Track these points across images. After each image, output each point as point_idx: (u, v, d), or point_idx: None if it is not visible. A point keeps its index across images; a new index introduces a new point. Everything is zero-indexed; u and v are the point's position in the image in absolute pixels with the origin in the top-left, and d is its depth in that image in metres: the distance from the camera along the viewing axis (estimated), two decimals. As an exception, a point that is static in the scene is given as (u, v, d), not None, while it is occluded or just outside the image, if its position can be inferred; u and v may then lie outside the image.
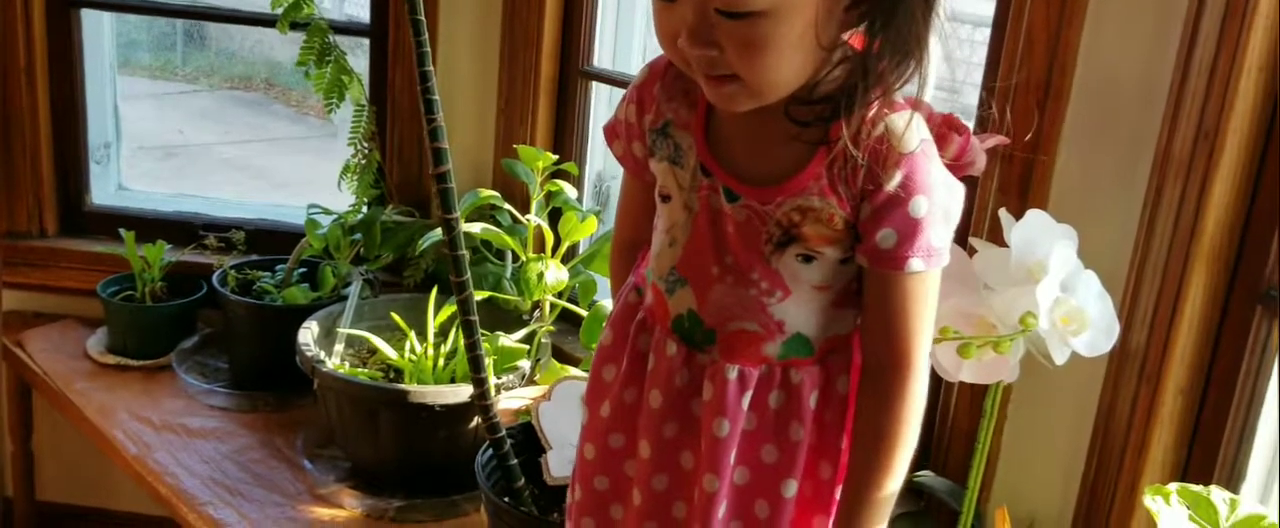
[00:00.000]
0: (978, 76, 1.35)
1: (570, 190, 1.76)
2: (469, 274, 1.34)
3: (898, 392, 0.90)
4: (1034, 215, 1.07)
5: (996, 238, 1.13)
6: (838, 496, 0.96)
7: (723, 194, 0.90)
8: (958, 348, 1.02)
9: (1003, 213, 1.10)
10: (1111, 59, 1.20)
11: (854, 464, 0.93)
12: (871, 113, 0.84)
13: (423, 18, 1.27)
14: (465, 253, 1.34)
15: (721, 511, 0.94)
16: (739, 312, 0.92)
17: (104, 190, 2.17)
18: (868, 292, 0.90)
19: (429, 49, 1.29)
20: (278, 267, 1.93)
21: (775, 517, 0.95)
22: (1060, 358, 1.03)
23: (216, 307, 1.88)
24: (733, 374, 0.92)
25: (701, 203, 0.92)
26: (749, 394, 0.93)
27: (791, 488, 0.94)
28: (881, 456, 0.91)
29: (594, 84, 1.91)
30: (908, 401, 0.90)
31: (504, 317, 1.75)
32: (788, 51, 0.81)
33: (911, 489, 1.36)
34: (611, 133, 1.03)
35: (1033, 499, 1.30)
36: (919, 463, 1.41)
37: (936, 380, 1.38)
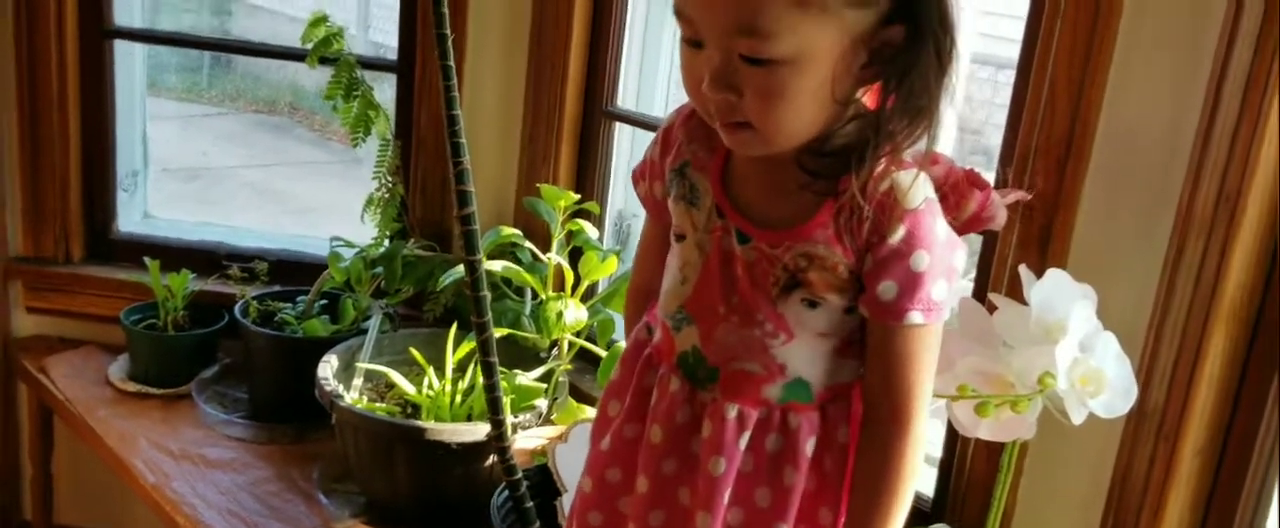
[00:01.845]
0: (1001, 117, 1.35)
1: (591, 230, 1.77)
2: (490, 315, 1.35)
3: (896, 443, 0.92)
4: (1054, 275, 1.07)
5: (1015, 293, 1.13)
6: None
7: (735, 236, 0.93)
8: (975, 407, 1.02)
9: (1023, 269, 1.11)
10: (1134, 118, 1.21)
11: (852, 514, 0.95)
12: (879, 169, 0.88)
13: (452, 62, 1.29)
14: (488, 294, 1.35)
15: None
16: (742, 352, 0.94)
17: (130, 218, 2.20)
18: (869, 343, 0.93)
19: (458, 92, 1.31)
20: (299, 298, 1.95)
21: None
22: (1078, 418, 1.03)
23: (237, 337, 1.90)
24: (732, 413, 0.94)
25: (714, 244, 0.95)
26: (747, 435, 0.95)
27: None
28: (879, 507, 0.93)
29: (617, 124, 1.93)
30: (906, 452, 0.92)
31: (522, 354, 1.76)
32: (803, 102, 0.85)
33: (927, 542, 1.36)
34: (638, 175, 1.06)
35: (1048, 556, 1.30)
36: (935, 516, 1.41)
37: (953, 434, 1.39)
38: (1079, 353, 1.03)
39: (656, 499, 0.99)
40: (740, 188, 0.94)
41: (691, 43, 0.87)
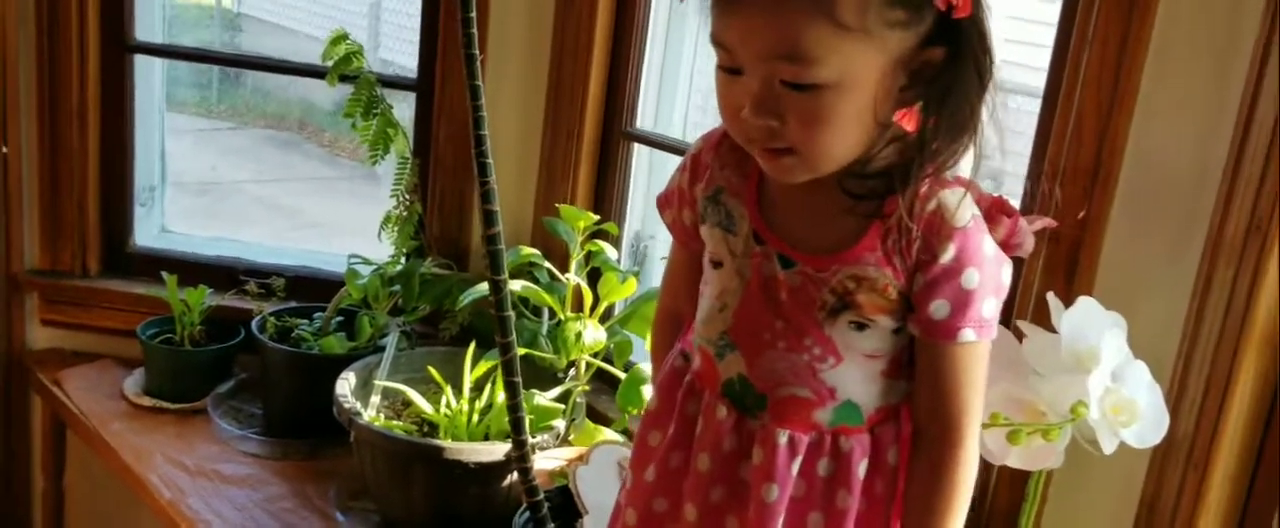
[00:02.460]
0: (1026, 147, 1.36)
1: (610, 251, 1.77)
2: (515, 335, 1.35)
3: (948, 462, 0.93)
4: (1084, 303, 1.07)
5: (1042, 320, 1.13)
6: None
7: (777, 261, 0.93)
8: (1007, 435, 1.02)
9: (1051, 296, 1.11)
10: (1162, 145, 1.21)
11: (906, 524, 0.95)
12: (924, 189, 0.88)
13: (480, 82, 1.29)
14: (512, 314, 1.35)
15: None
16: (790, 377, 0.93)
17: (147, 232, 2.20)
18: (920, 362, 0.93)
19: (485, 113, 1.31)
20: (316, 314, 1.95)
21: None
22: (1109, 447, 1.03)
23: (254, 352, 1.90)
24: (783, 439, 0.94)
25: (754, 270, 0.94)
26: (799, 460, 0.94)
27: None
28: (934, 516, 0.93)
29: (636, 145, 1.93)
30: (959, 470, 0.93)
31: (539, 374, 1.75)
32: (847, 126, 0.85)
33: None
34: (665, 201, 1.06)
35: (1073, 584, 1.29)
36: (957, 541, 1.40)
37: (979, 460, 1.38)
38: (1110, 382, 1.03)
39: (705, 527, 0.98)
40: (778, 213, 0.94)
41: (729, 70, 0.87)
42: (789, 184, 0.92)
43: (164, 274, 1.96)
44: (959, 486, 0.93)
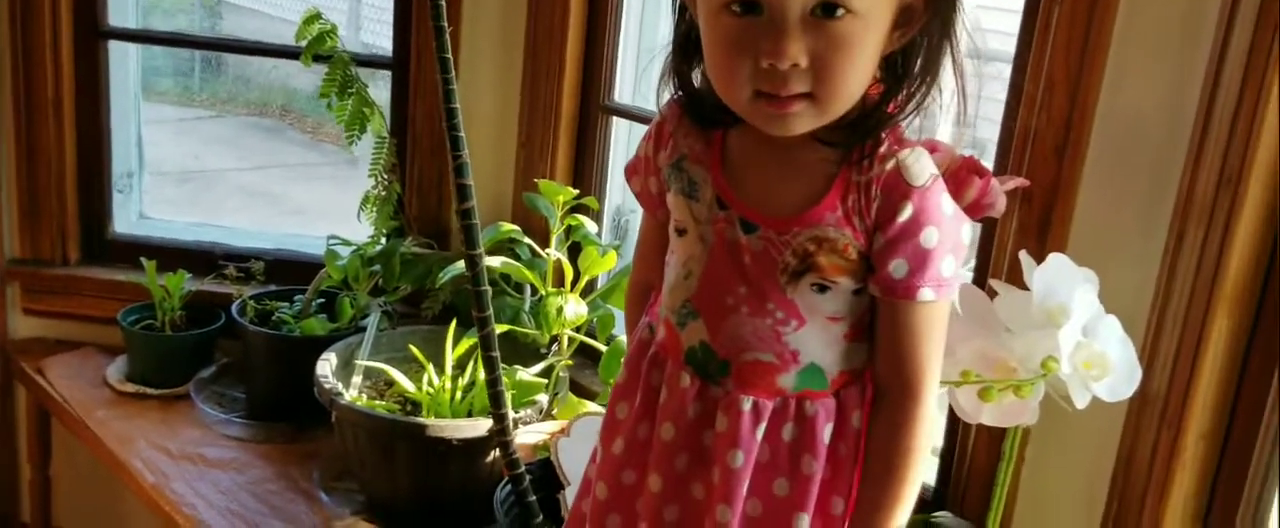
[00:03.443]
0: (997, 112, 1.36)
1: (590, 225, 1.77)
2: (491, 310, 1.35)
3: (907, 420, 0.93)
4: (1055, 259, 1.07)
5: (1016, 280, 1.13)
6: None
7: (739, 226, 0.93)
8: (979, 392, 1.02)
9: (1023, 255, 1.11)
10: (1133, 103, 1.21)
11: (863, 494, 0.95)
12: (883, 149, 0.89)
13: (450, 55, 1.29)
14: (489, 289, 1.35)
15: None
16: (754, 342, 0.94)
17: (125, 219, 2.19)
18: (880, 322, 0.93)
19: (456, 86, 1.30)
20: (296, 297, 1.94)
21: None
22: (1081, 402, 1.03)
23: (235, 336, 1.90)
24: (747, 405, 0.94)
25: (717, 235, 0.94)
26: (763, 426, 0.94)
27: (803, 523, 0.95)
28: (891, 484, 0.94)
29: (614, 119, 1.92)
30: (917, 429, 0.94)
31: (522, 350, 1.75)
32: (864, 61, 0.86)
33: (930, 530, 1.36)
34: (631, 170, 1.06)
35: (1052, 542, 1.30)
36: (937, 503, 1.41)
37: (955, 422, 1.39)
38: (1082, 337, 1.03)
39: (669, 496, 0.99)
40: (741, 178, 0.94)
41: (745, 8, 0.84)
42: (751, 149, 0.93)
43: (143, 260, 1.95)
44: (917, 442, 0.94)
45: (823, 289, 0.92)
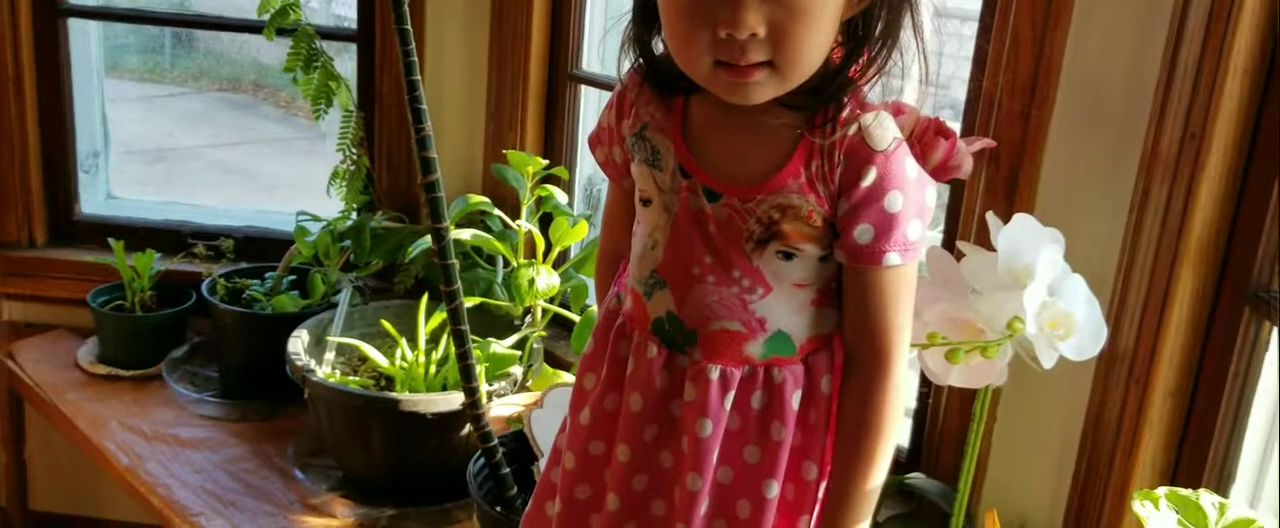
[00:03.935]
0: (965, 71, 1.35)
1: (560, 195, 1.76)
2: (459, 283, 1.34)
3: (879, 385, 0.93)
4: (1020, 219, 1.07)
5: (984, 241, 1.13)
6: (822, 495, 0.97)
7: (703, 194, 0.92)
8: (945, 354, 1.02)
9: (990, 216, 1.10)
10: (1097, 61, 1.20)
11: (838, 459, 0.95)
12: (846, 113, 0.88)
13: (409, 26, 1.27)
14: (455, 262, 1.34)
15: (703, 509, 0.96)
16: (721, 311, 0.93)
17: (93, 199, 2.17)
18: (847, 289, 0.93)
19: (417, 58, 1.29)
20: (267, 274, 1.93)
21: (757, 517, 0.96)
22: (1048, 362, 1.03)
23: (206, 315, 1.88)
24: (715, 374, 0.94)
25: (681, 204, 0.94)
26: (732, 395, 0.94)
27: (774, 489, 0.95)
28: (865, 449, 0.93)
29: (583, 88, 1.91)
30: (889, 393, 0.93)
31: (495, 323, 1.75)
32: (824, 27, 0.84)
33: (902, 491, 1.37)
34: (595, 140, 1.04)
35: (1023, 501, 1.31)
36: (910, 465, 1.42)
37: (927, 384, 1.39)
38: (1048, 297, 1.03)
39: (638, 465, 0.98)
40: (703, 146, 0.93)
41: None
42: (713, 117, 0.92)
43: (111, 241, 1.93)
44: (889, 407, 0.93)
45: (788, 256, 0.91)
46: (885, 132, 0.88)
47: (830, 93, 0.88)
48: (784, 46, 0.83)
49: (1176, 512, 0.92)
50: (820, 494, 0.98)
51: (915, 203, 0.89)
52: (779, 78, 0.85)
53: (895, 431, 0.94)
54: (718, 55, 0.85)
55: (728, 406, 0.94)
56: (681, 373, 0.95)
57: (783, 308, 0.93)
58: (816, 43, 0.84)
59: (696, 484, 0.95)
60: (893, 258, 0.89)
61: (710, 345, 0.94)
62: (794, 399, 0.94)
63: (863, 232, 0.88)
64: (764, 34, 0.82)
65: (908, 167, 0.89)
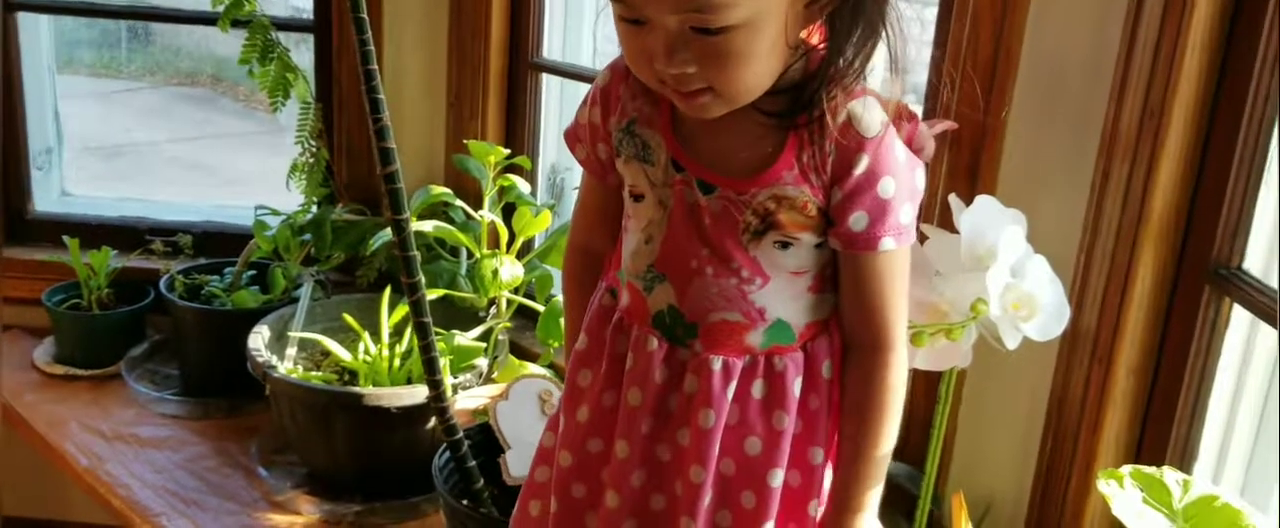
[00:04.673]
0: (926, 55, 1.35)
1: (523, 185, 1.75)
2: (421, 275, 1.33)
3: (882, 369, 0.93)
4: (982, 201, 1.07)
5: (948, 224, 1.13)
6: (829, 478, 0.98)
7: (697, 188, 0.92)
8: (910, 336, 1.02)
9: (953, 198, 1.10)
10: (1057, 41, 1.20)
11: (845, 449, 0.95)
12: (833, 102, 0.87)
13: (365, 15, 1.25)
14: (417, 254, 1.32)
15: (707, 501, 0.95)
16: (721, 303, 0.93)
17: (46, 197, 2.13)
18: (843, 276, 0.93)
19: (373, 47, 1.27)
20: (226, 270, 1.90)
21: (762, 507, 0.96)
22: (1012, 343, 1.03)
23: (165, 313, 1.85)
24: (717, 365, 0.94)
25: (676, 198, 0.93)
26: (733, 385, 0.94)
27: (778, 478, 0.95)
28: (872, 424, 0.94)
29: (544, 76, 1.89)
30: (891, 376, 0.94)
31: (460, 314, 1.73)
32: (762, 59, 0.84)
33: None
34: (573, 137, 1.03)
35: (990, 482, 1.31)
36: (878, 449, 1.42)
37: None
38: (1010, 278, 1.03)
39: (636, 461, 0.98)
40: (695, 139, 0.93)
41: (629, 21, 0.85)
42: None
43: (66, 238, 1.90)
44: (891, 390, 0.94)
45: (785, 246, 0.91)
46: (873, 118, 0.88)
47: (811, 93, 0.87)
48: (719, 81, 0.84)
49: (1141, 490, 0.92)
50: (827, 478, 0.98)
51: (907, 186, 0.90)
52: (725, 101, 0.86)
53: (900, 406, 0.95)
54: (662, 81, 0.86)
55: (730, 396, 0.94)
56: (682, 366, 0.95)
57: (781, 297, 0.93)
58: (754, 73, 0.85)
59: (700, 476, 0.95)
60: (888, 243, 0.90)
61: (711, 337, 0.94)
62: (795, 386, 0.94)
63: (857, 219, 0.89)
64: (695, 70, 0.83)
65: (897, 150, 0.89)
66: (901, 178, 0.89)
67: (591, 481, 1.01)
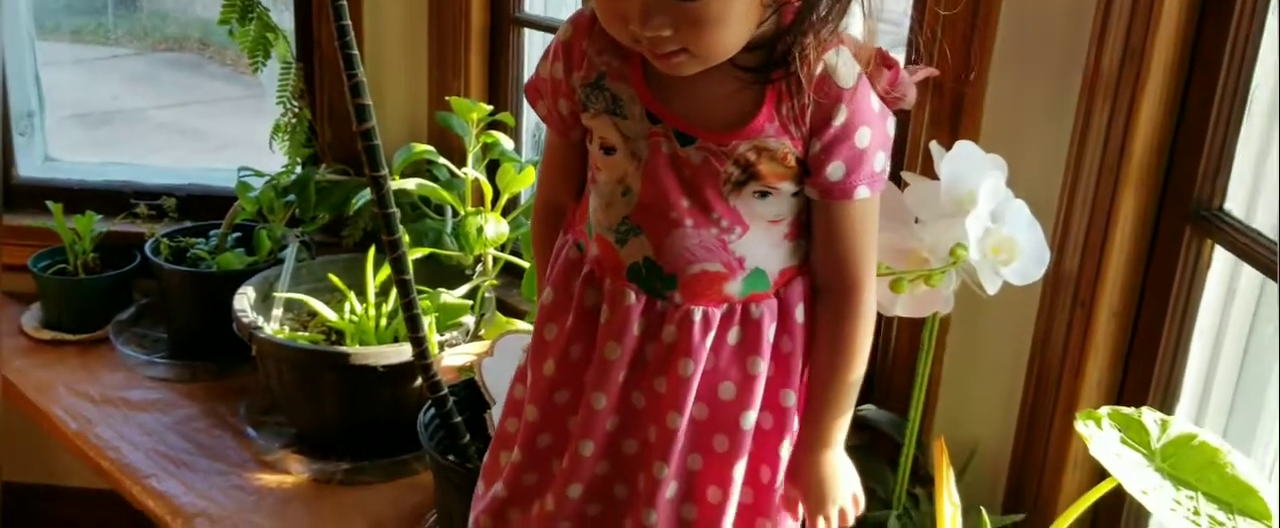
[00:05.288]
0: (906, 3, 1.33)
1: (507, 141, 1.73)
2: (401, 232, 1.32)
3: (852, 312, 0.96)
4: (962, 147, 1.07)
5: (929, 171, 1.12)
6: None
7: (675, 139, 0.92)
8: (890, 283, 1.02)
9: (934, 145, 1.10)
10: (1038, -16, 1.19)
11: (818, 364, 0.98)
12: (809, 54, 0.87)
13: (336, -31, 1.23)
14: (396, 211, 1.32)
15: (680, 445, 0.97)
16: (702, 254, 0.93)
17: (30, 162, 2.11)
18: (817, 223, 0.94)
19: (345, 2, 1.25)
20: (211, 232, 1.90)
21: (734, 449, 0.97)
22: (992, 288, 1.03)
23: (151, 276, 1.85)
24: (698, 316, 0.94)
25: (652, 150, 0.93)
26: (712, 334, 0.95)
27: (750, 420, 0.96)
28: (843, 355, 0.97)
29: (527, 31, 1.87)
30: (861, 318, 0.96)
31: (446, 273, 1.73)
32: (739, 20, 0.84)
33: (855, 424, 1.37)
34: (534, 91, 1.02)
35: (974, 428, 1.31)
36: (862, 397, 1.42)
37: (878, 316, 1.39)
38: (990, 223, 1.03)
39: (611, 409, 0.99)
40: (671, 92, 0.92)
41: None
42: None
43: (50, 203, 1.89)
44: (861, 332, 0.96)
45: (764, 195, 0.92)
46: (849, 69, 0.88)
47: (786, 47, 0.87)
48: (695, 44, 0.84)
49: (1119, 430, 0.92)
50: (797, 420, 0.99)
51: (880, 135, 0.91)
52: (701, 61, 0.86)
53: (869, 339, 0.97)
54: (638, 41, 0.86)
55: (708, 345, 0.95)
56: (660, 317, 0.96)
57: (760, 245, 0.94)
58: (730, 34, 0.84)
59: (676, 422, 0.96)
60: (862, 191, 0.91)
61: (691, 288, 0.94)
62: (769, 332, 0.95)
63: (835, 169, 0.90)
64: (671, 33, 0.83)
65: (872, 100, 0.90)
66: (876, 127, 0.90)
67: (558, 431, 1.02)
